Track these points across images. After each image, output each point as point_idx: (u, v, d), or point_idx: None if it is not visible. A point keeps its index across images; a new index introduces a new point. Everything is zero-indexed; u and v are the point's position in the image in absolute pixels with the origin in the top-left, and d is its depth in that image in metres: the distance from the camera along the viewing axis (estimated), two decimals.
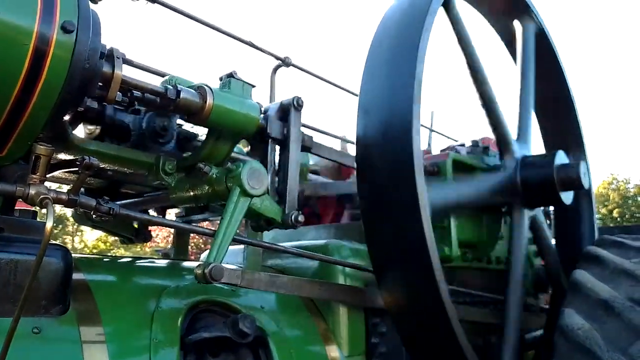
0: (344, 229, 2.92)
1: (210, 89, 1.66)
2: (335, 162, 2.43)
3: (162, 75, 2.10)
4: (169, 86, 1.61)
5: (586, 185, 2.55)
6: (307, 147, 2.18)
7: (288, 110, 2.03)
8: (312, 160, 2.99)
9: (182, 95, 1.60)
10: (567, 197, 2.60)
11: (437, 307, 1.91)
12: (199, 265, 1.62)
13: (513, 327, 2.46)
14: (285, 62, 2.69)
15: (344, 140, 3.26)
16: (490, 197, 2.57)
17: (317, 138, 2.49)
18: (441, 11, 2.26)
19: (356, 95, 2.20)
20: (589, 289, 2.37)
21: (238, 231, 1.75)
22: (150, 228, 2.67)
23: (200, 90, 1.66)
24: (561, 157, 2.57)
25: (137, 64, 2.05)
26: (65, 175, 2.16)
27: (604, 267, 2.55)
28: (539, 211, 2.78)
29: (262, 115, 1.96)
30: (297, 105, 2.03)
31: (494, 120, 2.51)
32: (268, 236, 2.92)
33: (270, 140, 1.97)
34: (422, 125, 4.90)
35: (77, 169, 1.43)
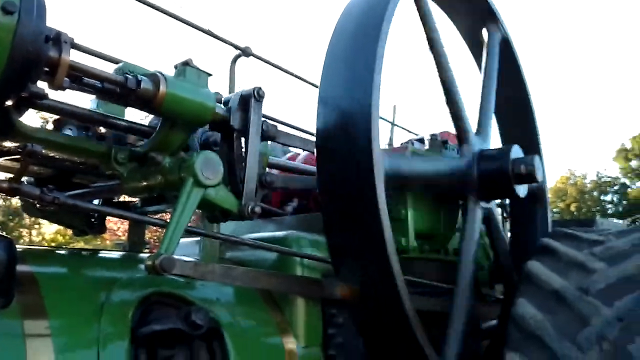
0: (306, 220, 2.91)
1: (164, 77, 1.62)
2: (300, 149, 2.40)
3: (115, 62, 2.03)
4: (129, 76, 1.57)
5: (540, 179, 2.62)
6: (272, 136, 2.13)
7: (248, 101, 1.99)
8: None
9: (142, 85, 1.56)
10: (522, 189, 2.66)
11: (393, 298, 1.93)
12: (149, 257, 1.58)
13: (459, 316, 2.49)
14: (245, 52, 2.66)
15: (307, 133, 3.25)
16: (445, 180, 2.58)
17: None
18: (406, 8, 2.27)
19: (317, 86, 2.19)
20: (542, 280, 2.44)
21: (194, 223, 1.72)
22: (111, 221, 2.60)
23: (153, 77, 1.62)
24: (517, 151, 2.62)
25: (88, 49, 1.98)
26: (13, 165, 2.08)
27: (556, 258, 2.62)
28: (493, 205, 2.83)
29: (223, 106, 1.93)
30: (257, 95, 1.99)
31: (455, 109, 2.54)
32: (228, 229, 2.89)
33: (229, 131, 1.93)
34: (384, 119, 4.96)
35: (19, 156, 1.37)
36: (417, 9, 2.40)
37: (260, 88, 2.00)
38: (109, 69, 1.75)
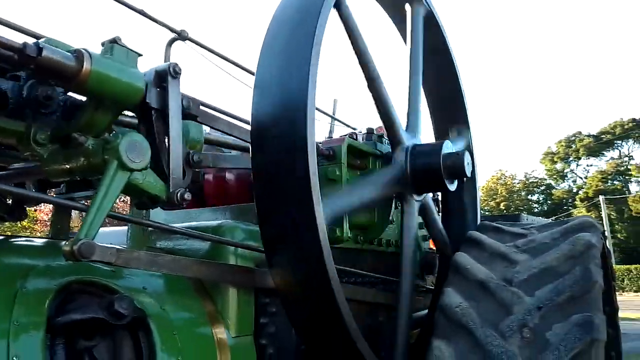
0: (241, 210, 2.87)
1: (89, 53, 1.53)
2: (225, 134, 2.32)
3: (37, 37, 1.91)
4: (28, 42, 1.45)
5: (469, 174, 2.71)
6: (193, 115, 1.99)
7: (165, 78, 1.83)
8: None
9: (44, 53, 1.44)
10: (452, 184, 2.75)
11: (325, 287, 1.94)
12: (67, 242, 1.49)
13: (406, 309, 2.57)
14: (181, 36, 2.57)
15: (243, 121, 3.20)
16: (383, 192, 2.65)
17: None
18: (333, 11, 2.25)
19: (254, 74, 2.16)
20: (468, 270, 2.54)
21: (122, 210, 1.65)
22: (42, 211, 2.44)
23: (77, 53, 1.53)
24: (447, 147, 2.70)
25: (3, 20, 1.84)
26: None
27: (482, 250, 2.73)
28: (428, 197, 2.91)
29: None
30: (173, 72, 1.83)
31: (385, 115, 2.59)
32: (160, 218, 2.80)
33: (150, 111, 1.81)
34: (325, 113, 4.98)
35: None
36: (339, 16, 2.39)
37: (176, 64, 1.86)
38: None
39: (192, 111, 1.93)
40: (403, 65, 2.96)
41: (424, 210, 2.87)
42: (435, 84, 3.41)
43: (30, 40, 1.88)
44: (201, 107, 1.99)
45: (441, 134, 3.45)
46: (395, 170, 2.63)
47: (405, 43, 3.11)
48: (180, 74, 1.84)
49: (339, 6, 2.31)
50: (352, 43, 2.43)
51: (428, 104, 3.49)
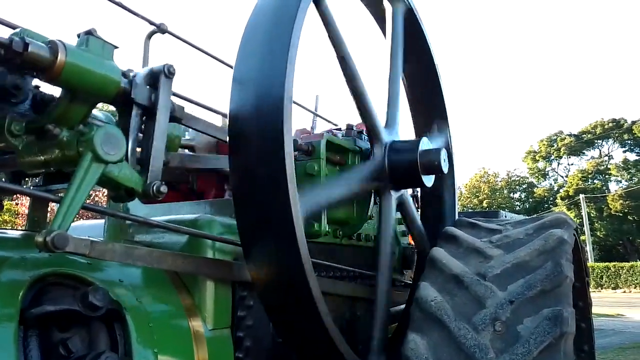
0: (220, 205, 2.88)
1: (64, 45, 1.53)
2: (209, 135, 2.35)
3: (12, 27, 1.90)
4: (15, 37, 1.46)
5: (445, 170, 2.75)
6: (178, 117, 2.07)
7: (158, 77, 1.91)
8: (189, 135, 2.90)
9: (30, 48, 1.46)
10: (429, 180, 2.79)
11: (301, 281, 1.96)
12: (41, 233, 1.50)
13: (383, 302, 2.60)
14: (160, 29, 2.56)
15: (224, 116, 3.21)
16: (362, 187, 2.67)
17: (197, 112, 2.40)
18: (311, 8, 2.26)
19: (232, 67, 2.17)
20: (444, 264, 2.58)
21: (97, 202, 1.65)
22: (24, 205, 2.42)
23: (52, 44, 1.52)
24: (425, 144, 2.74)
25: None
26: None
27: (458, 245, 2.78)
28: (406, 193, 2.95)
29: (126, 79, 1.84)
30: (168, 72, 1.91)
31: (364, 113, 2.62)
32: (141, 212, 2.79)
33: (135, 106, 1.84)
34: (306, 109, 4.98)
35: None
36: (319, 14, 2.41)
37: (171, 65, 1.93)
38: (4, 34, 1.63)
39: (177, 114, 2.00)
40: (383, 61, 2.99)
41: (402, 205, 2.90)
42: (415, 80, 3.45)
43: (5, 31, 1.88)
44: (183, 109, 2.06)
45: (420, 129, 3.49)
46: (373, 165, 2.66)
47: (385, 38, 3.14)
48: (174, 74, 1.90)
49: (317, 2, 2.33)
50: (331, 39, 2.45)
51: (408, 100, 3.52)
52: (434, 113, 3.49)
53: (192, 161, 2.28)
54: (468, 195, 59.23)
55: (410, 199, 3.03)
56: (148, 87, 1.89)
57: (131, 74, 1.90)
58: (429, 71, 3.44)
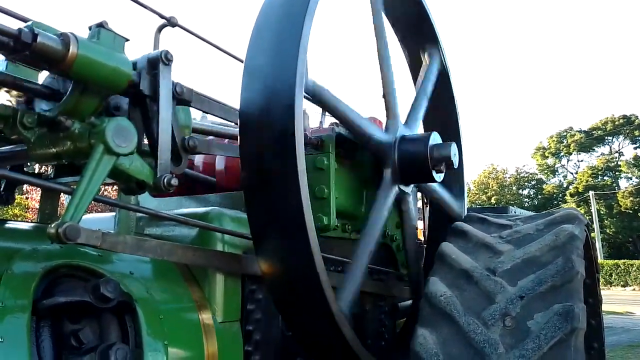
0: (231, 197, 2.89)
1: (75, 37, 1.53)
2: (219, 117, 2.33)
3: (23, 20, 1.90)
4: (24, 28, 1.46)
5: (456, 165, 2.73)
6: (186, 100, 1.99)
7: (156, 65, 1.84)
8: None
9: (39, 39, 1.45)
10: (439, 175, 2.77)
11: (310, 274, 1.96)
12: (53, 225, 1.50)
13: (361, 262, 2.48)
14: (170, 22, 2.56)
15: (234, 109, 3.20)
16: (364, 139, 2.62)
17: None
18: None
19: (242, 61, 2.16)
20: (453, 260, 2.57)
21: (108, 195, 1.65)
22: (34, 199, 2.44)
23: (64, 37, 1.53)
24: (435, 138, 2.72)
25: None
26: None
27: (468, 240, 2.76)
28: (410, 191, 2.91)
29: (134, 71, 1.83)
30: (165, 59, 1.84)
31: (387, 101, 2.63)
32: (151, 205, 2.80)
33: (146, 98, 1.83)
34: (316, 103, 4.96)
35: None
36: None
37: (167, 51, 1.86)
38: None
39: (185, 97, 1.93)
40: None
41: (401, 202, 2.88)
42: (401, 10, 3.36)
43: (16, 23, 1.89)
44: (192, 92, 1.99)
45: (414, 62, 3.51)
46: (382, 138, 2.65)
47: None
48: (172, 61, 1.85)
49: None
50: (376, 32, 2.51)
51: (395, 32, 3.49)
52: (424, 39, 3.47)
53: (216, 147, 2.25)
54: (476, 192, 58.99)
55: (411, 198, 2.99)
56: (149, 76, 1.84)
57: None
58: (444, 87, 3.48)
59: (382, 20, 2.82)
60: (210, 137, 2.61)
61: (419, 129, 3.03)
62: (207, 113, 2.22)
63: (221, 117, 2.25)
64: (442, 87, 3.44)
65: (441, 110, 3.50)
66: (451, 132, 3.48)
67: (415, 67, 3.52)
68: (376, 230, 2.56)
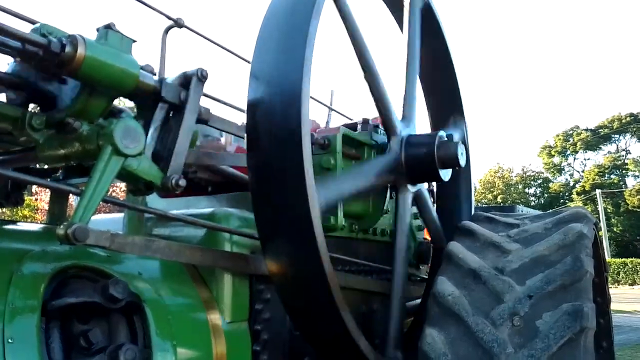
0: (237, 198, 2.89)
1: (83, 39, 1.54)
2: (235, 135, 2.39)
3: (31, 22, 1.91)
4: (52, 38, 1.48)
5: (462, 164, 2.73)
6: (204, 119, 2.11)
7: (190, 79, 1.97)
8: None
9: (67, 49, 1.48)
10: (446, 174, 2.76)
11: (318, 274, 1.96)
12: (62, 226, 1.51)
13: (398, 296, 2.59)
14: (177, 23, 2.57)
15: (242, 111, 3.21)
16: (378, 180, 2.66)
17: (214, 106, 2.40)
18: (329, 1, 2.26)
19: (249, 62, 2.16)
20: (461, 259, 2.56)
21: (116, 195, 1.66)
22: (43, 200, 2.46)
23: (72, 39, 1.54)
24: (442, 137, 2.72)
25: (2, 7, 1.84)
26: None
27: (475, 239, 2.75)
28: (422, 187, 2.93)
29: (156, 77, 1.87)
30: (200, 76, 1.98)
31: (381, 106, 2.61)
32: (159, 206, 2.81)
33: (161, 103, 1.87)
34: (322, 103, 4.98)
35: None
36: (337, 8, 2.41)
37: (204, 69, 2.00)
38: (25, 29, 1.64)
39: (203, 116, 2.07)
40: (399, 55, 2.98)
41: (418, 200, 2.89)
42: (431, 74, 3.42)
43: (24, 26, 1.90)
44: (209, 111, 2.14)
45: (437, 123, 3.47)
46: (389, 159, 2.65)
47: (402, 32, 3.12)
48: (206, 78, 1.99)
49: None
50: (349, 33, 2.44)
51: (424, 93, 3.50)
52: (450, 107, 3.47)
53: (208, 158, 2.30)
54: (482, 191, 58.81)
55: (427, 193, 3.01)
56: (177, 86, 1.94)
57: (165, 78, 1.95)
58: (445, 65, 3.42)
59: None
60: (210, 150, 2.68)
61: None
62: (221, 130, 2.29)
63: (236, 135, 2.33)
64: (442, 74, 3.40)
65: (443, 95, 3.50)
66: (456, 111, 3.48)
67: None
68: (405, 234, 2.64)
